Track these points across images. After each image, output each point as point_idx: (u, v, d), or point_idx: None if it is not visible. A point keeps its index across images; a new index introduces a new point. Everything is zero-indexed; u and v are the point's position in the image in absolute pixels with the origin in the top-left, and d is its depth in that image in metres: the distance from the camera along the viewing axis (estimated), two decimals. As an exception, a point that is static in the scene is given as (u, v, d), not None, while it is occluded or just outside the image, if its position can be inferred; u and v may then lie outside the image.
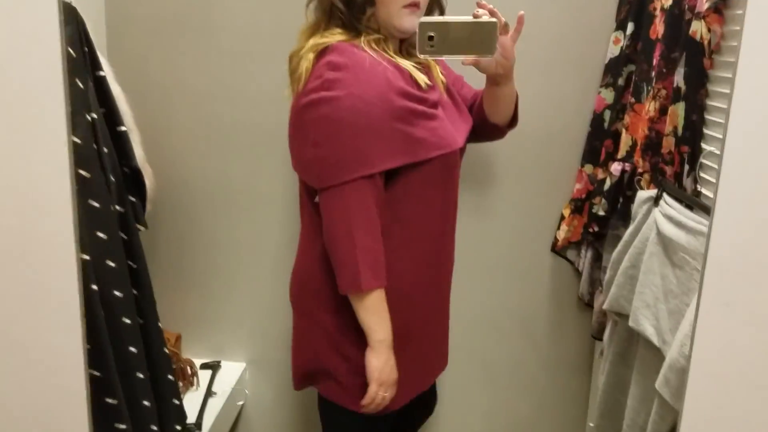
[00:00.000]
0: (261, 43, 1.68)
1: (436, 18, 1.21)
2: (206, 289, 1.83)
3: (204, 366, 1.83)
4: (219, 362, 1.86)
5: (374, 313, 1.24)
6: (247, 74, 1.70)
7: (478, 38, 1.11)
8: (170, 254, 1.81)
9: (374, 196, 1.20)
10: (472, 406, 1.92)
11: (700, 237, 1.23)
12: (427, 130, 1.23)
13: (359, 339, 1.27)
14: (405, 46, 1.33)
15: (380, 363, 1.25)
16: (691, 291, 1.25)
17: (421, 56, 1.13)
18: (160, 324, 1.51)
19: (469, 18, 1.12)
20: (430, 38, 1.10)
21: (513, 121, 1.45)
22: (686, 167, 1.34)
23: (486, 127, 1.43)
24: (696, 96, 1.32)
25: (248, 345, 1.88)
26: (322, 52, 1.21)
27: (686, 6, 1.35)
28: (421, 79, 1.24)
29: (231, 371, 1.86)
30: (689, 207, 1.32)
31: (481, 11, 1.13)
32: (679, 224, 1.30)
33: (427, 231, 1.33)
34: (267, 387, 1.91)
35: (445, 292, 1.44)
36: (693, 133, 1.32)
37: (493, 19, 1.12)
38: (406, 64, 1.24)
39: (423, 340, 1.39)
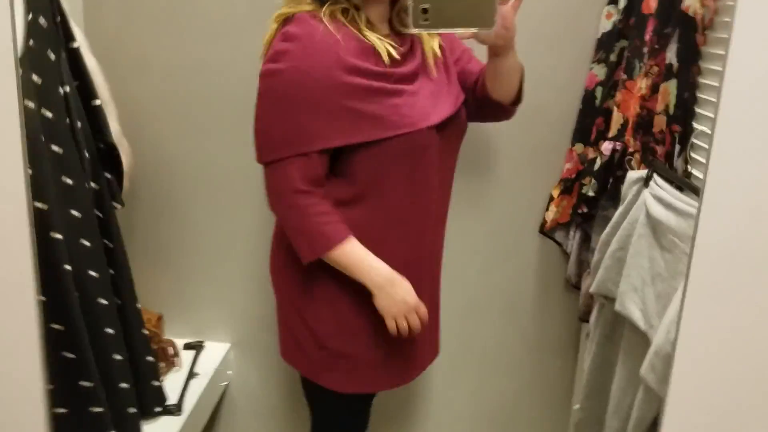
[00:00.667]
0: (244, 15, 1.63)
1: None
2: (188, 268, 1.80)
3: (187, 346, 1.81)
4: (202, 342, 1.83)
5: (353, 265, 1.22)
6: (230, 48, 1.65)
7: (477, 10, 1.03)
8: (150, 232, 1.77)
9: (316, 174, 1.18)
10: (458, 386, 1.91)
11: (690, 219, 1.20)
12: (386, 107, 1.16)
13: (322, 311, 1.29)
14: (396, 14, 1.26)
15: (386, 303, 1.23)
16: (679, 275, 1.23)
17: (415, 30, 1.04)
18: (138, 305, 1.48)
19: None
20: (425, 11, 1.02)
21: (518, 99, 1.34)
22: (677, 147, 1.31)
23: (489, 105, 1.32)
24: (688, 73, 1.28)
25: (232, 325, 1.86)
26: (284, 22, 1.18)
27: (681, -20, 1.31)
28: (384, 53, 1.16)
29: (215, 352, 1.83)
30: (680, 188, 1.29)
31: None
32: (668, 206, 1.27)
33: (394, 214, 1.25)
34: (252, 368, 1.89)
35: (429, 280, 1.37)
36: (684, 112, 1.29)
37: None
38: (371, 37, 1.17)
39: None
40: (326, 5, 1.16)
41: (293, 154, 1.16)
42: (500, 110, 1.35)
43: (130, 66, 1.67)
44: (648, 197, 1.34)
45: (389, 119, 1.17)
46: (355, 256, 1.21)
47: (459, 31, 1.08)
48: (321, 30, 1.13)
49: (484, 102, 1.32)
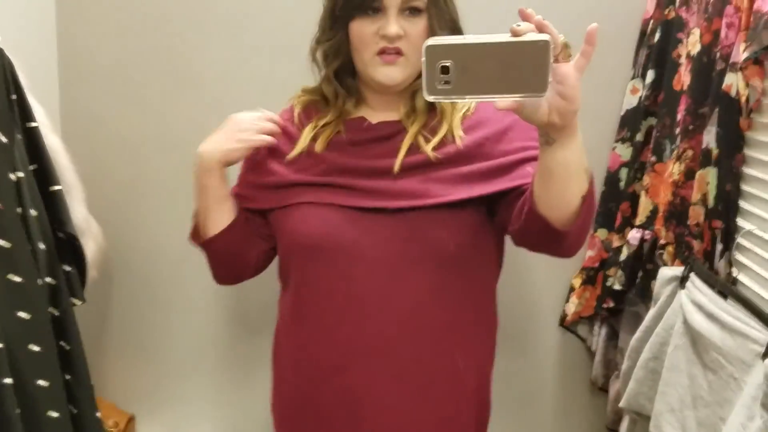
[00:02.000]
0: (231, 89, 1.50)
1: (452, 38, 0.73)
2: (164, 362, 1.63)
3: (160, 450, 1.62)
4: (179, 445, 1.64)
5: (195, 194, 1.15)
6: (214, 124, 1.51)
7: (521, 68, 0.70)
8: (123, 324, 1.61)
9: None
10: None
11: (738, 337, 1.00)
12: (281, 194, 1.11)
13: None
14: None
15: (214, 147, 1.11)
16: (726, 402, 1.02)
17: (431, 98, 0.73)
18: (98, 413, 1.30)
19: (506, 36, 0.70)
20: (444, 69, 0.71)
21: (578, 223, 0.89)
22: (719, 246, 1.12)
23: (533, 223, 0.91)
24: (731, 162, 1.10)
25: (211, 425, 1.67)
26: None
27: (717, 54, 1.15)
28: (298, 149, 1.10)
29: (192, 455, 1.64)
30: (722, 294, 1.10)
31: (524, 25, 0.71)
32: (710, 316, 1.08)
33: (317, 299, 1.08)
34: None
35: (393, 374, 1.06)
36: (727, 206, 1.11)
37: (545, 37, 0.69)
38: (305, 132, 1.12)
39: None
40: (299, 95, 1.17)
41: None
42: (550, 235, 0.91)
43: (106, 141, 1.54)
44: (685, 301, 1.15)
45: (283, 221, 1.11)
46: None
47: (494, 99, 0.73)
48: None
49: (528, 218, 0.92)
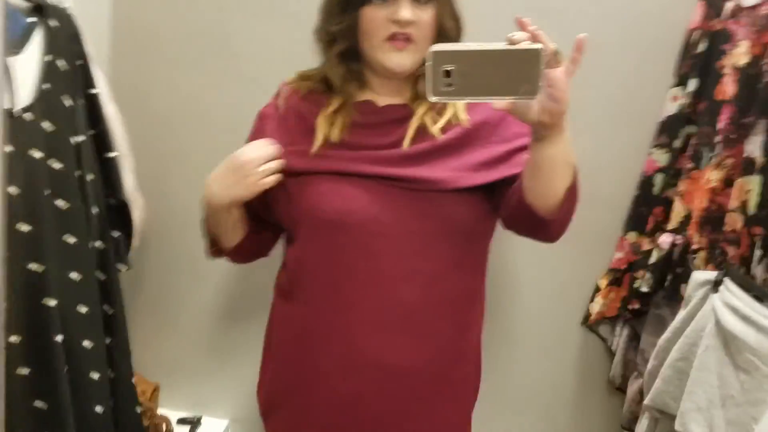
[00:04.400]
0: (274, 68, 1.51)
1: (454, 45, 0.83)
2: (192, 335, 1.64)
3: (181, 421, 1.64)
4: (200, 418, 1.66)
5: (208, 217, 1.17)
6: (257, 102, 1.53)
7: (516, 73, 0.78)
8: (153, 294, 1.62)
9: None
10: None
11: (776, 339, 1.04)
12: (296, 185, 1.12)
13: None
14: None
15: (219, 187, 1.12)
16: (760, 402, 1.06)
17: (435, 99, 0.80)
18: (133, 379, 1.32)
19: (503, 44, 0.79)
20: (447, 73, 0.79)
21: (563, 211, 0.98)
22: (758, 252, 1.15)
23: (521, 211, 1.01)
24: (776, 171, 1.14)
25: (233, 400, 1.68)
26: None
27: (765, 67, 1.18)
28: (320, 138, 1.10)
29: (212, 429, 1.66)
30: (758, 299, 1.13)
31: (519, 34, 0.79)
32: (745, 318, 1.11)
33: (320, 308, 1.10)
34: (251, 448, 1.71)
35: (387, 397, 1.10)
36: (769, 214, 1.14)
37: (538, 45, 0.78)
38: (320, 123, 1.11)
39: None
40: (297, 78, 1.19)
41: None
42: (535, 222, 1.01)
43: (152, 116, 1.56)
44: (718, 304, 1.19)
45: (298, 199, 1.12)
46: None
47: (491, 100, 0.82)
48: (272, 104, 1.20)
49: (517, 206, 1.02)
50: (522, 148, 1.06)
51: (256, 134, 1.18)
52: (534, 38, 0.79)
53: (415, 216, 1.07)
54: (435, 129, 1.08)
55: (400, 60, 1.06)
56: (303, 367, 1.13)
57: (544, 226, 1.01)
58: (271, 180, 1.10)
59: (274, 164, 1.10)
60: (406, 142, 1.08)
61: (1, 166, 0.69)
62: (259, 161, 1.09)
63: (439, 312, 1.11)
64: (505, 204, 1.06)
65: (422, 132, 1.09)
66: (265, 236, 1.24)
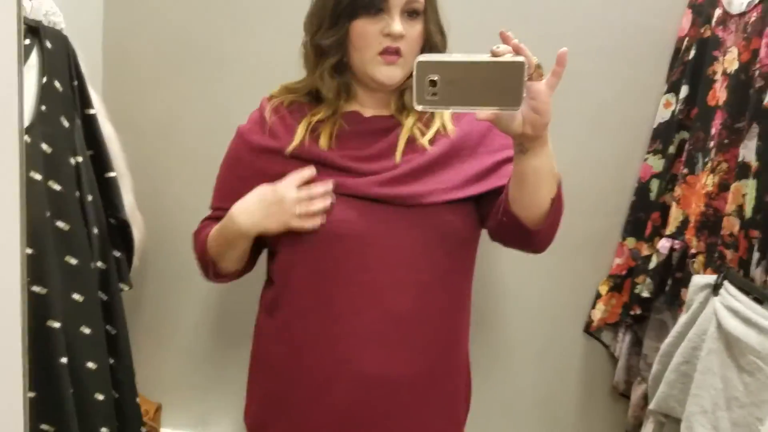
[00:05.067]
0: (266, 83, 1.53)
1: (440, 56, 0.85)
2: (192, 353, 1.64)
3: (186, 440, 1.63)
4: (203, 436, 1.65)
5: (221, 236, 1.13)
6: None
7: (499, 84, 0.80)
8: (153, 313, 1.62)
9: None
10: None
11: (778, 340, 1.05)
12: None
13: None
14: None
15: (266, 220, 1.08)
16: (764, 403, 1.06)
17: (420, 108, 0.82)
18: (137, 399, 1.31)
19: (487, 56, 0.81)
20: (432, 83, 0.80)
21: (548, 222, 1.00)
22: (756, 255, 1.16)
23: (507, 221, 1.02)
24: (770, 174, 1.15)
25: (235, 418, 1.67)
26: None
27: (756, 72, 1.20)
28: (296, 142, 1.10)
29: (216, 447, 1.65)
30: (758, 301, 1.14)
31: (503, 47, 0.81)
32: (747, 321, 1.12)
33: (304, 319, 1.09)
34: (255, 465, 1.69)
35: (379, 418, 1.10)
36: (765, 216, 1.15)
37: (520, 58, 0.80)
38: (301, 127, 1.11)
39: None
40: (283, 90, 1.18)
41: (212, 206, 1.22)
42: (522, 233, 1.02)
43: (149, 134, 1.56)
44: (719, 307, 1.20)
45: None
46: (216, 230, 1.14)
47: (475, 110, 0.84)
48: (255, 115, 1.19)
49: (503, 216, 1.03)
50: (508, 160, 1.06)
51: (237, 151, 1.17)
52: (516, 51, 0.81)
53: (407, 227, 1.08)
54: (424, 140, 1.09)
55: (391, 73, 1.07)
56: (294, 380, 1.12)
57: (531, 237, 1.02)
58: (315, 223, 1.06)
59: (320, 205, 1.05)
60: (397, 156, 1.08)
61: (21, 193, 0.69)
62: (302, 200, 1.06)
63: (431, 321, 1.11)
64: (492, 215, 1.07)
65: (410, 143, 1.10)
66: (253, 251, 1.21)
